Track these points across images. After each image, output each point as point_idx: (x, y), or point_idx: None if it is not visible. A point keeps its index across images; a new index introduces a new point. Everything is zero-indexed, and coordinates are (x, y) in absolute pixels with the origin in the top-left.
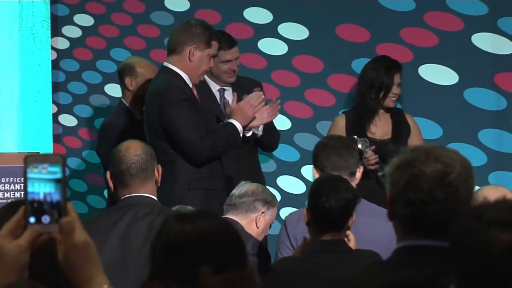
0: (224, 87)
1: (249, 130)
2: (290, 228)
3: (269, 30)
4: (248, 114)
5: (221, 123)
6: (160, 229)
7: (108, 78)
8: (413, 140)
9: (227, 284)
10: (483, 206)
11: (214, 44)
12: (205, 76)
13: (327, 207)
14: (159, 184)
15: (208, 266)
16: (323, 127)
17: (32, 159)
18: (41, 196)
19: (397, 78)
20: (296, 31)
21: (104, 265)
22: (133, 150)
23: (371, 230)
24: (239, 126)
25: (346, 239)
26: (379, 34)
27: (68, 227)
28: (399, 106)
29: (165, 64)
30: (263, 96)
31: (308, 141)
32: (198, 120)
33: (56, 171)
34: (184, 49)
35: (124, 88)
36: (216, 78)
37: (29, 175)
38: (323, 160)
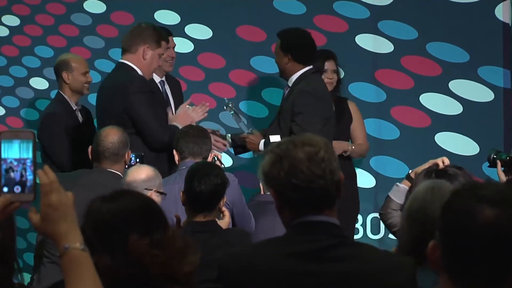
0: (163, 80)
1: None
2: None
3: (177, 30)
4: (190, 120)
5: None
6: (87, 210)
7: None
8: (356, 124)
9: (152, 245)
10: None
11: (163, 43)
12: None
13: (198, 191)
14: (127, 165)
15: (135, 234)
16: (225, 116)
17: (6, 135)
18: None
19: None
20: (201, 31)
21: None
22: (110, 138)
23: None
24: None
25: (222, 214)
26: (274, 34)
27: (45, 189)
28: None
29: (122, 61)
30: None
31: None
32: (159, 110)
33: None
34: (138, 49)
35: (61, 81)
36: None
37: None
38: (183, 146)
